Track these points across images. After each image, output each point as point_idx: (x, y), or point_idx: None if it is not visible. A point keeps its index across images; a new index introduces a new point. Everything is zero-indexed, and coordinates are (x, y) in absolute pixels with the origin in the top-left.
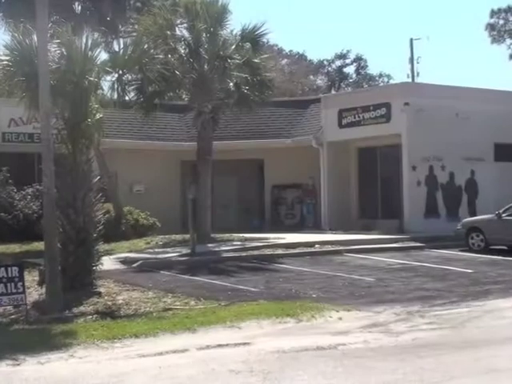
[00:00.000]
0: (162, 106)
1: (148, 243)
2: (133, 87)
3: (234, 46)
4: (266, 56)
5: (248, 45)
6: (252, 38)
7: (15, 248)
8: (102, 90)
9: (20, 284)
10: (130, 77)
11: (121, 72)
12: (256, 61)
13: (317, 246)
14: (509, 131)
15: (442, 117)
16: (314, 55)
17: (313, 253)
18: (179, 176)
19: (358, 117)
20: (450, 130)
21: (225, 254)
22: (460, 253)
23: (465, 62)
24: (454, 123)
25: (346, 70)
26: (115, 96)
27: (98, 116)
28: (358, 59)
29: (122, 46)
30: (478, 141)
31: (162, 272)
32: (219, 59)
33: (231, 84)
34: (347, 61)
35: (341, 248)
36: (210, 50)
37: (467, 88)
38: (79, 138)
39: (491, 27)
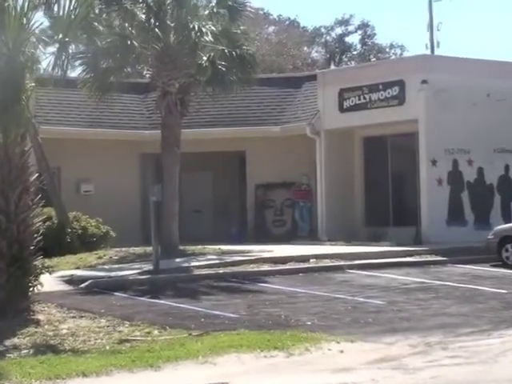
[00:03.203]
0: (118, 85)
1: (100, 258)
2: (81, 62)
3: (207, 12)
4: (245, 26)
5: (224, 10)
6: (230, 3)
7: None
8: (41, 64)
9: None
10: (76, 48)
11: (64, 40)
12: (235, 30)
13: (312, 260)
14: None
15: (470, 98)
16: (308, 21)
17: (307, 269)
18: (139, 173)
19: (364, 98)
20: (480, 114)
21: (197, 271)
22: (491, 268)
23: (498, 30)
24: (485, 106)
25: (348, 39)
26: (57, 72)
27: (35, 97)
28: (364, 26)
29: (66, 6)
30: None
31: (117, 294)
32: (188, 28)
33: (204, 58)
34: (350, 28)
35: (342, 263)
36: (178, 15)
37: (502, 62)
38: (12, 125)
39: None
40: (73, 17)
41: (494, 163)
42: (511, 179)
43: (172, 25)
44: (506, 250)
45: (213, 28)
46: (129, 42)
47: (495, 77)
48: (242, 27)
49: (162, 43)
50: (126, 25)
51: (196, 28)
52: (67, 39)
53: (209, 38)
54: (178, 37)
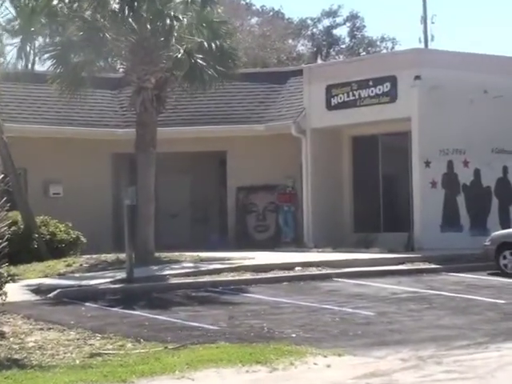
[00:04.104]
0: (90, 80)
1: (69, 265)
2: (49, 55)
3: (184, 0)
4: (226, 16)
5: None
6: None
7: None
8: (4, 57)
9: None
10: (44, 40)
11: (28, 29)
12: (215, 20)
13: (297, 268)
14: None
15: (466, 95)
16: (293, 12)
17: (292, 278)
18: (111, 174)
19: (353, 95)
20: (476, 112)
21: (173, 280)
22: (488, 277)
23: (496, 23)
24: (482, 104)
25: (336, 32)
26: (22, 65)
27: None
28: (353, 18)
29: None
30: None
31: (87, 304)
32: (163, 15)
33: (181, 51)
34: (338, 20)
35: (330, 271)
36: (152, 5)
37: (500, 57)
38: None
39: None
40: (35, 3)
41: (492, 164)
42: (510, 182)
43: (147, 15)
44: (504, 258)
45: (190, 14)
46: (101, 34)
47: (493, 72)
48: (222, 16)
49: (136, 35)
50: (98, 16)
51: (171, 14)
52: (31, 29)
53: (185, 24)
54: (153, 28)
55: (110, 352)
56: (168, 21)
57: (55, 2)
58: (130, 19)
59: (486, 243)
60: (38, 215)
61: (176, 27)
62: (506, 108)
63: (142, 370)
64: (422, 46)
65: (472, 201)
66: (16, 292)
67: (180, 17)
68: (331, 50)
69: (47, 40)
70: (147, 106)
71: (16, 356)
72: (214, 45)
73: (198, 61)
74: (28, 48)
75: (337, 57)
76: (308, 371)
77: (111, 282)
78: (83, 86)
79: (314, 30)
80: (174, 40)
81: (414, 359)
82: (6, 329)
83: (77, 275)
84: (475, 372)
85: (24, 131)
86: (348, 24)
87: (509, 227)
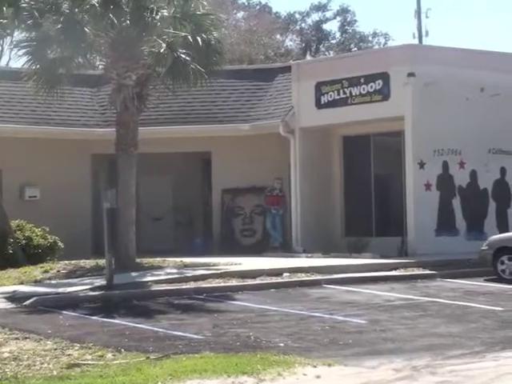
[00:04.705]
0: (68, 77)
1: (46, 272)
2: (25, 51)
3: None
4: (210, 9)
5: None
6: None
7: None
8: None
9: None
10: (20, 35)
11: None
12: (199, 13)
13: (286, 274)
14: None
15: (461, 93)
16: (281, 6)
17: (280, 284)
18: (90, 176)
19: (344, 93)
20: (473, 111)
21: (155, 287)
22: (485, 283)
23: (493, 18)
24: (479, 102)
25: (326, 26)
26: None
27: None
28: (343, 12)
29: None
30: (511, 127)
31: (65, 313)
32: (145, 11)
33: (163, 46)
34: (328, 14)
35: (319, 277)
36: None
37: (497, 53)
38: None
39: None
40: None
41: (489, 166)
42: (508, 183)
43: (127, 9)
44: (502, 263)
45: (172, 7)
46: (79, 29)
47: (490, 69)
48: (207, 9)
49: (116, 30)
50: (76, 9)
51: (153, 8)
52: (2, 20)
53: (167, 17)
54: (134, 22)
55: (89, 362)
56: (149, 14)
57: None
58: (110, 13)
59: (483, 248)
60: (14, 219)
61: (158, 21)
62: (503, 106)
63: (123, 381)
64: (416, 41)
65: (468, 203)
66: None
67: (162, 10)
68: (321, 46)
69: (22, 35)
70: (128, 105)
71: None
72: (199, 39)
73: (182, 55)
74: (0, 43)
75: (327, 53)
76: (297, 382)
77: (90, 289)
78: (61, 83)
79: (303, 24)
80: (156, 34)
81: (408, 369)
82: None
83: (54, 282)
84: (471, 382)
85: None
86: (338, 18)
87: (507, 231)
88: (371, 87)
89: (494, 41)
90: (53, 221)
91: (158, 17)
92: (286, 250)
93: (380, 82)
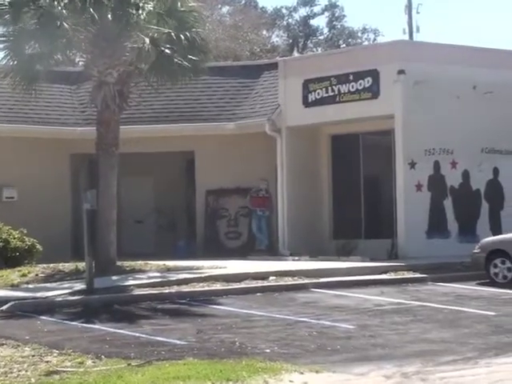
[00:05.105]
0: (46, 74)
1: (24, 275)
2: (1, 46)
3: None
4: (195, 4)
5: None
6: None
7: None
8: None
9: None
10: None
11: None
12: (182, 9)
13: (272, 278)
14: None
15: (453, 91)
16: (267, 1)
17: (266, 288)
18: (69, 176)
19: (332, 90)
20: (465, 109)
21: (137, 291)
22: (478, 287)
23: (485, 14)
24: (471, 100)
25: (314, 22)
26: None
27: None
28: (332, 7)
29: None
30: (504, 125)
31: (43, 318)
32: (127, 6)
33: (146, 41)
34: (316, 9)
35: (307, 281)
36: None
37: (490, 50)
38: None
39: None
40: None
41: (482, 166)
42: (501, 184)
43: (109, 3)
44: (495, 266)
45: (156, 2)
46: (58, 24)
47: (482, 66)
48: (191, 4)
49: (97, 25)
50: (55, 3)
51: (136, 3)
52: None
53: (150, 13)
54: (116, 17)
55: (69, 369)
56: (133, 10)
57: None
58: (91, 8)
59: (476, 251)
60: None
61: (141, 16)
62: (496, 105)
63: None
64: (407, 37)
65: (460, 205)
66: None
67: (146, 5)
68: (308, 42)
69: None
70: (109, 103)
71: None
72: (182, 35)
73: (166, 50)
74: None
75: (314, 49)
76: None
77: (69, 294)
78: (39, 80)
79: (290, 20)
80: (138, 30)
81: (398, 376)
82: None
83: (32, 286)
84: None
85: None
86: (326, 14)
87: (500, 233)
88: (360, 85)
89: (488, 37)
90: (31, 223)
91: (141, 12)
92: (273, 252)
93: (369, 79)
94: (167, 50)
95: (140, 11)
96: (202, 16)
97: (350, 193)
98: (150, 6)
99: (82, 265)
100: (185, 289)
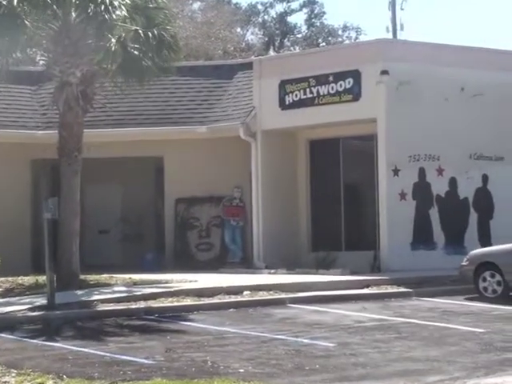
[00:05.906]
0: (5, 73)
1: None
2: None
3: None
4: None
5: None
6: None
7: None
8: None
9: None
10: None
11: None
12: (151, 6)
13: (246, 293)
14: None
15: (440, 93)
16: None
17: (240, 304)
18: (30, 183)
19: (311, 92)
20: (452, 112)
21: (102, 307)
22: (466, 302)
23: (473, 11)
24: (458, 103)
25: (291, 19)
26: None
27: None
28: (310, 3)
29: None
30: (494, 130)
31: (1, 335)
32: (92, 2)
33: (113, 40)
34: (293, 5)
35: (283, 296)
36: None
37: (479, 49)
38: None
39: None
40: None
41: (470, 173)
42: (490, 192)
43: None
44: (484, 280)
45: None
46: (18, 21)
47: (471, 67)
48: (159, 2)
49: (60, 22)
50: None
51: (107, 1)
52: None
53: (123, 12)
54: (80, 14)
55: None
56: (97, 6)
57: None
58: (54, 4)
59: (464, 263)
60: None
61: (107, 14)
62: (485, 108)
63: None
64: (390, 36)
65: (447, 214)
66: None
67: (112, 2)
68: (285, 40)
69: None
70: (72, 104)
71: None
72: (150, 34)
73: (134, 51)
74: None
75: (292, 48)
76: None
77: (29, 309)
78: None
79: (266, 16)
80: (104, 28)
81: None
82: None
83: None
84: None
85: None
86: (305, 10)
87: (489, 245)
88: (341, 86)
89: (476, 35)
90: None
91: (105, 8)
92: (247, 265)
93: (350, 80)
94: (135, 51)
95: (105, 8)
96: (172, 13)
97: (329, 201)
98: (116, 3)
99: (42, 278)
100: (152, 304)
